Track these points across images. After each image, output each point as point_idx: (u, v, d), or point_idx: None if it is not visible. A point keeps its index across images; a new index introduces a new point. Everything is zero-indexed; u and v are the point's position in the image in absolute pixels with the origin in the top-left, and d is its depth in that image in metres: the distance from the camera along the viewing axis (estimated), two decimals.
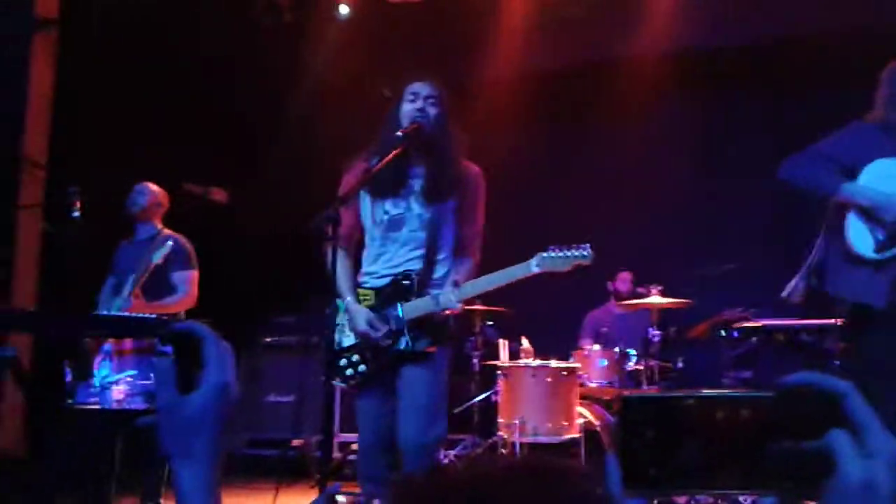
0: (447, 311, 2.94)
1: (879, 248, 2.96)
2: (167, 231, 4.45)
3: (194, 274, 4.34)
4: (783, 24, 6.08)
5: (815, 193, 3.14)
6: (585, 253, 2.83)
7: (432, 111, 3.04)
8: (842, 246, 3.07)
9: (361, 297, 3.05)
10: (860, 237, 3.01)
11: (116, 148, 5.64)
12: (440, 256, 3.04)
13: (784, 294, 3.42)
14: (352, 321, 3.02)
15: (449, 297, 2.91)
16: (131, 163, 5.64)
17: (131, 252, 4.34)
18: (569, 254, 2.83)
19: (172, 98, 5.97)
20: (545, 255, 2.84)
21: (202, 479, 0.90)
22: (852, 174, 3.07)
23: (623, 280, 5.93)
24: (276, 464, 5.03)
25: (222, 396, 0.92)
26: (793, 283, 3.38)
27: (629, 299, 5.50)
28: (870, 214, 2.99)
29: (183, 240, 4.42)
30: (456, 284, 2.94)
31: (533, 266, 2.85)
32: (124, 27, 5.56)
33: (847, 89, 5.48)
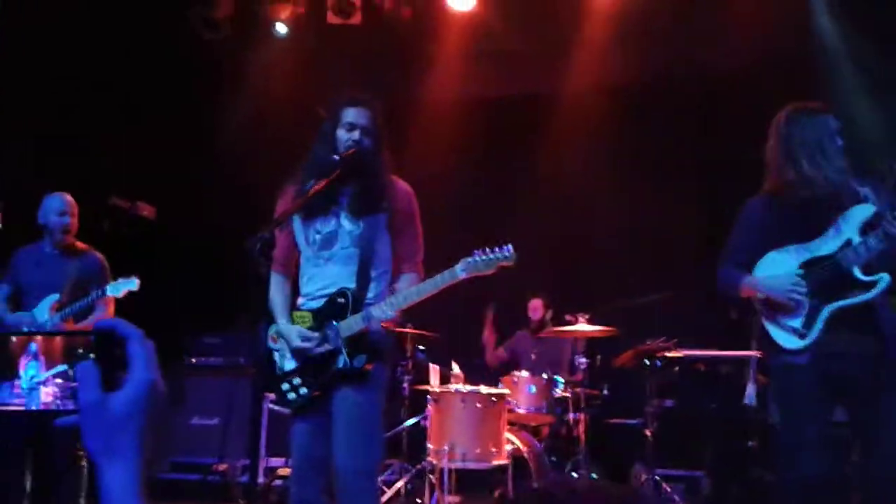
0: (381, 323, 2.95)
1: (800, 335, 3.00)
2: (82, 245, 4.36)
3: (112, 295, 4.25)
4: (705, 59, 6.31)
5: (731, 295, 3.21)
6: (507, 254, 2.88)
7: (366, 142, 3.08)
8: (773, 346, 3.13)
9: (299, 320, 3.04)
10: (780, 336, 3.06)
11: (40, 158, 5.47)
12: (375, 272, 3.04)
13: (746, 402, 3.50)
14: (287, 342, 3.00)
15: (382, 308, 2.92)
16: (56, 173, 5.49)
17: (43, 264, 4.23)
18: (492, 256, 2.87)
19: (102, 109, 5.82)
20: (469, 259, 2.89)
21: (129, 479, 0.89)
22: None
23: (534, 308, 5.99)
24: (199, 488, 4.90)
25: (148, 394, 0.91)
26: (749, 390, 3.45)
27: (541, 327, 5.60)
28: (773, 306, 3.05)
29: (101, 257, 4.36)
30: (392, 293, 2.96)
31: (458, 271, 2.88)
32: (53, 32, 5.41)
33: (769, 117, 5.78)
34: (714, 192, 6.19)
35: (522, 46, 6.70)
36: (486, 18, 6.62)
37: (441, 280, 2.90)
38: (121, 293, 4.15)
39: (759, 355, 4.52)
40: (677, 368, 5.28)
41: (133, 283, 4.18)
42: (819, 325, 2.97)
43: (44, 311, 4.13)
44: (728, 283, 3.18)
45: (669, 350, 5.18)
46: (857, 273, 2.95)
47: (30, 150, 5.37)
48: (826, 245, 3.02)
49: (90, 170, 5.71)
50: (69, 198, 4.35)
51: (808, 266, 3.02)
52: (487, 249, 2.89)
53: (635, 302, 5.44)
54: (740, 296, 3.19)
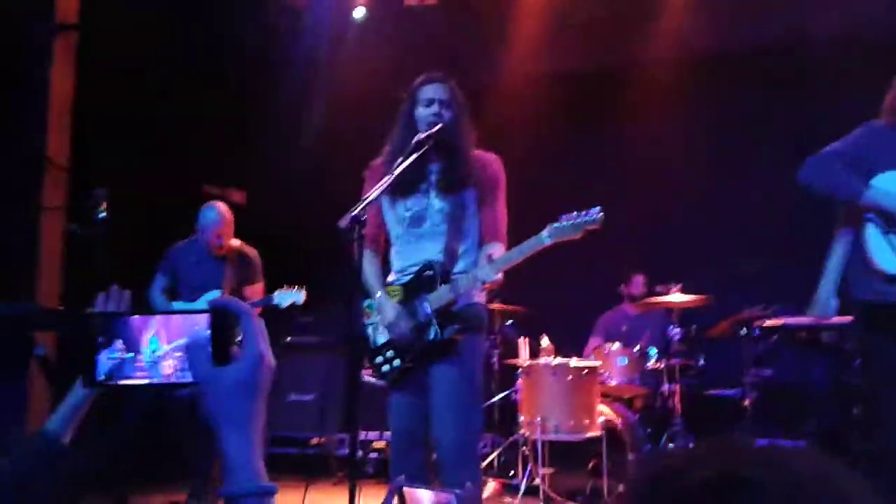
0: (466, 296, 2.96)
1: None
2: (236, 245, 4.61)
3: (262, 286, 4.60)
4: (796, 25, 6.05)
5: (837, 197, 3.09)
6: (594, 216, 2.82)
7: (447, 115, 3.09)
8: (863, 260, 3.01)
9: (393, 294, 3.09)
10: (883, 254, 2.95)
11: (136, 150, 5.70)
12: (463, 247, 3.07)
13: (816, 313, 3.34)
14: (382, 316, 3.05)
15: (469, 278, 2.92)
16: (151, 165, 5.72)
17: (202, 263, 4.53)
18: (578, 219, 2.83)
19: (189, 100, 6.02)
20: (555, 224, 2.85)
21: (247, 445, 0.95)
22: (868, 178, 3.01)
23: (636, 284, 5.90)
24: (298, 461, 5.05)
25: (261, 366, 0.97)
26: (822, 299, 3.28)
27: (641, 298, 5.50)
28: (891, 222, 2.94)
29: (255, 254, 4.65)
30: (490, 259, 2.95)
31: (545, 236, 2.85)
32: (143, 30, 5.62)
33: (863, 90, 5.51)
34: (809, 156, 5.95)
35: (603, 16, 6.57)
36: None
37: (528, 247, 2.88)
38: (285, 304, 4.43)
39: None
40: (776, 337, 5.12)
41: (300, 297, 4.44)
42: None
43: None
44: (835, 182, 3.02)
45: (767, 318, 5.03)
46: None
47: (124, 141, 5.60)
48: None
49: (181, 157, 5.93)
50: (222, 210, 4.60)
51: None
52: (574, 213, 2.85)
53: (731, 271, 5.30)
54: (847, 201, 3.03)
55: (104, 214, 4.02)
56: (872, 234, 2.99)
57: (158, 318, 1.14)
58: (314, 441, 5.18)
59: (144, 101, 5.78)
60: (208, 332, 1.00)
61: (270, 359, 0.99)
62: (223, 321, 1.00)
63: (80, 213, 4.28)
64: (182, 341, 1.09)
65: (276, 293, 4.44)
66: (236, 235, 4.69)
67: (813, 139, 5.70)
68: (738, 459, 0.68)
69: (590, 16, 6.60)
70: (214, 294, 4.44)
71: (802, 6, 5.89)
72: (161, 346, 1.13)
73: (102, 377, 1.16)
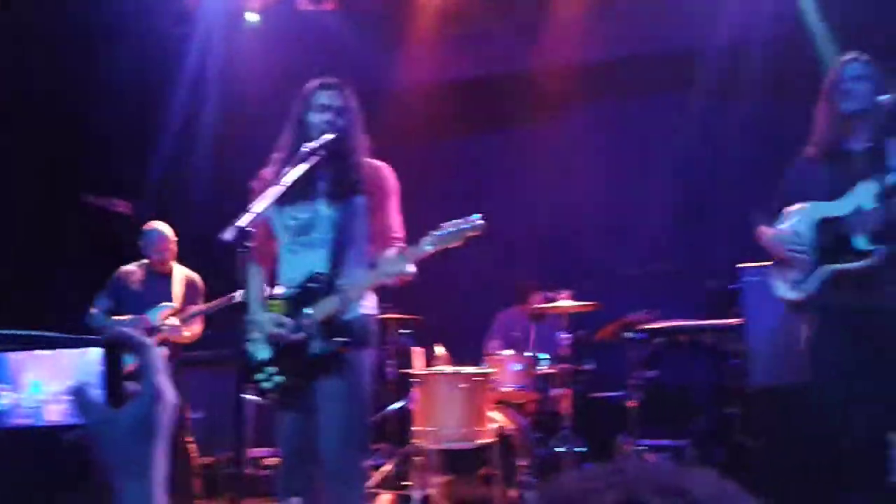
0: (351, 305, 2.94)
1: (797, 287, 3.17)
2: (178, 266, 4.85)
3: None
4: (686, 34, 6.30)
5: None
6: (474, 223, 2.84)
7: (340, 122, 3.06)
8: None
9: (274, 307, 3.03)
10: (779, 286, 3.26)
11: (15, 161, 5.43)
12: (351, 256, 3.02)
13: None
14: (261, 331, 3.00)
15: (354, 288, 2.91)
16: (31, 175, 5.45)
17: (147, 282, 4.73)
18: (459, 227, 2.84)
19: (75, 108, 5.77)
20: (437, 233, 2.85)
21: (147, 494, 0.87)
22: None
23: (524, 283, 6.01)
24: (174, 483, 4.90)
25: (159, 404, 0.89)
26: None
27: (531, 303, 5.62)
28: (779, 259, 3.22)
29: (197, 277, 4.90)
30: (371, 266, 2.95)
31: (425, 244, 2.85)
32: (25, 34, 5.36)
33: (752, 96, 5.81)
34: (690, 164, 6.22)
35: (498, 22, 6.68)
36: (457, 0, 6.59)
37: (409, 255, 2.87)
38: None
39: (739, 321, 4.58)
40: (659, 339, 5.33)
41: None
42: (815, 283, 3.10)
43: (155, 314, 4.60)
44: (754, 226, 3.34)
45: (651, 321, 5.22)
46: (857, 241, 3.02)
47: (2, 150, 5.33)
48: (841, 206, 3.10)
49: (64, 167, 5.68)
50: (163, 228, 4.84)
51: (824, 224, 3.12)
52: (454, 221, 2.85)
53: (617, 275, 5.49)
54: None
55: None
56: (774, 268, 3.31)
57: (43, 354, 1.04)
58: (205, 460, 5.03)
59: (24, 109, 5.50)
60: (101, 368, 0.91)
61: (171, 395, 0.91)
62: (117, 356, 0.92)
63: None
64: (68, 380, 0.99)
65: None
66: (123, 246, 4.61)
67: (702, 145, 6.03)
68: (638, 487, 0.69)
69: (485, 22, 6.70)
70: (165, 307, 4.63)
71: (690, 16, 6.14)
72: (46, 386, 1.02)
73: None
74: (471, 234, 2.85)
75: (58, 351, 0.99)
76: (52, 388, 0.99)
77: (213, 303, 4.69)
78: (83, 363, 0.95)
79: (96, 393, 0.90)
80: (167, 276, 4.81)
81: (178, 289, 4.79)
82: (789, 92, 5.58)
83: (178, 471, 4.49)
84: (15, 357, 1.02)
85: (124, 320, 4.60)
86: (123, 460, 0.87)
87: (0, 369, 1.03)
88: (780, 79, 5.69)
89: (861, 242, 3.04)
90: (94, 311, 4.71)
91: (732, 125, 6.03)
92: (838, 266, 3.06)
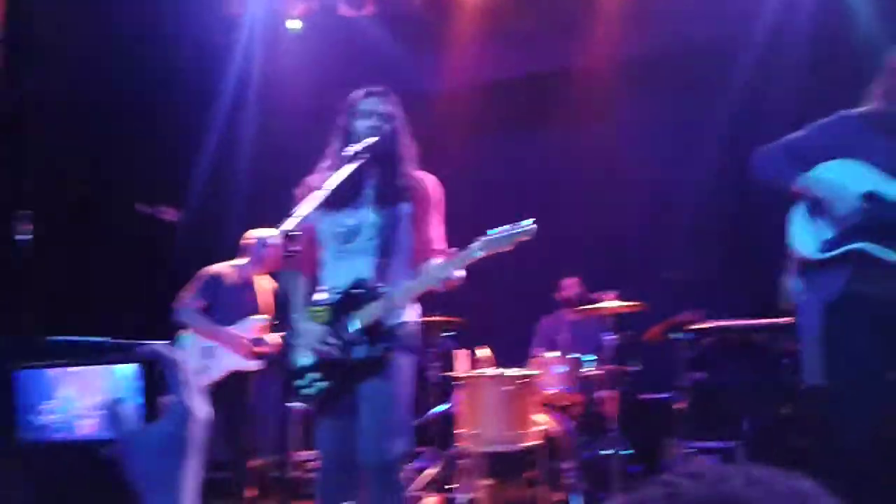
0: (396, 312, 2.95)
1: (825, 247, 2.95)
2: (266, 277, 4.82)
3: None
4: (727, 27, 6.19)
5: (775, 186, 3.12)
6: (525, 228, 2.82)
7: (386, 127, 3.06)
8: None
9: (318, 314, 3.04)
10: (803, 239, 3.01)
11: (65, 170, 5.56)
12: (395, 262, 3.02)
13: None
14: (305, 339, 3.02)
15: (400, 293, 2.90)
16: (81, 184, 5.58)
17: (239, 289, 4.69)
18: (509, 232, 2.82)
19: (120, 117, 5.90)
20: (486, 237, 2.84)
21: None
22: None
23: (568, 286, 5.97)
24: (230, 486, 4.96)
25: (189, 421, 0.90)
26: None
27: (578, 304, 5.56)
28: (821, 208, 2.97)
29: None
30: (419, 273, 2.94)
31: (476, 249, 2.84)
32: (71, 44, 5.49)
33: (788, 90, 5.69)
34: (738, 163, 6.10)
35: (537, 24, 6.65)
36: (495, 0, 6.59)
37: (459, 260, 2.87)
38: None
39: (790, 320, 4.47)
40: (707, 340, 5.24)
41: None
42: (841, 250, 2.91)
43: (246, 327, 4.61)
44: (776, 172, 3.07)
45: (698, 322, 5.14)
46: None
47: (53, 160, 5.47)
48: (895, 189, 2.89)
49: (113, 176, 5.81)
50: (273, 238, 4.71)
51: (870, 197, 2.91)
52: (506, 226, 2.84)
53: (664, 276, 5.41)
54: (784, 190, 3.08)
55: (24, 236, 3.92)
56: (797, 219, 3.04)
57: (78, 370, 1.06)
58: (251, 463, 5.08)
59: (72, 120, 5.64)
60: (138, 383, 0.93)
61: (202, 412, 0.92)
62: (152, 372, 0.93)
63: (1, 237, 4.17)
64: (103, 395, 1.00)
65: None
66: (172, 253, 4.66)
67: (749, 139, 5.89)
68: (727, 485, 0.69)
69: (525, 24, 6.68)
70: (259, 320, 4.64)
71: (729, 15, 6.04)
72: (81, 401, 1.04)
73: (24, 433, 1.06)
74: (522, 238, 2.84)
75: (93, 367, 1.01)
76: (87, 403, 1.01)
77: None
78: (117, 379, 0.97)
79: (130, 408, 0.91)
80: (254, 285, 4.77)
81: (267, 298, 4.77)
82: (833, 82, 5.45)
83: (235, 477, 4.54)
84: (52, 372, 1.04)
85: (225, 330, 4.58)
86: (154, 475, 0.88)
87: (38, 385, 1.05)
88: (823, 69, 5.57)
89: None
90: (188, 307, 4.62)
91: (778, 118, 5.90)
92: (875, 251, 2.86)
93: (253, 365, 4.60)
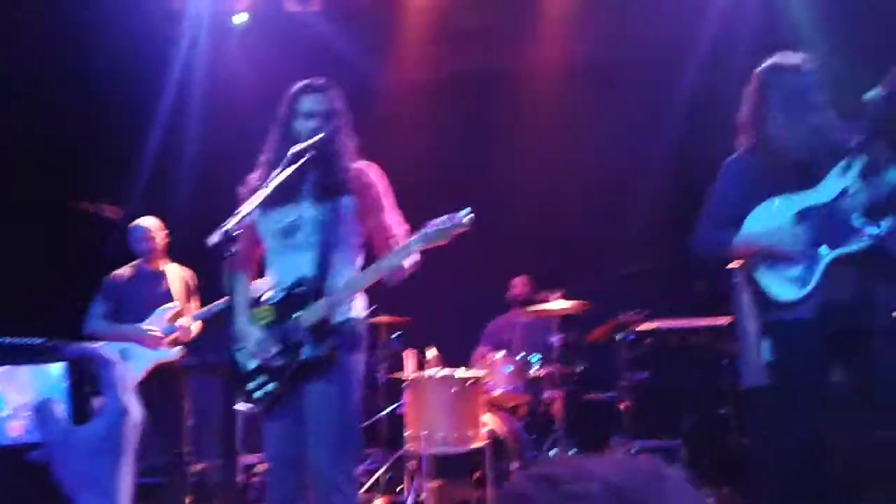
0: (340, 309, 2.92)
1: (801, 283, 2.94)
2: (171, 264, 4.77)
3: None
4: (671, 36, 6.29)
5: (719, 257, 3.16)
6: (462, 220, 2.78)
7: (327, 127, 3.03)
8: (760, 295, 3.03)
9: (263, 315, 3.00)
10: (778, 288, 2.99)
11: (2, 168, 5.38)
12: (339, 257, 2.99)
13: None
14: (247, 343, 2.97)
15: (342, 291, 2.88)
16: (19, 183, 5.40)
17: (144, 282, 4.63)
18: (444, 225, 2.79)
19: (61, 112, 5.72)
20: (423, 231, 2.81)
21: None
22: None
23: (517, 284, 6.01)
24: (165, 491, 4.86)
25: (123, 420, 0.88)
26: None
27: (528, 302, 5.59)
28: (773, 257, 2.98)
29: (191, 272, 4.80)
30: (358, 271, 2.93)
31: (412, 244, 2.81)
32: (10, 42, 5.30)
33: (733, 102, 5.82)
34: (682, 163, 6.22)
35: (485, 21, 6.67)
36: None
37: (396, 256, 2.84)
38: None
39: (730, 321, 4.57)
40: (650, 340, 5.32)
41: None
42: (818, 274, 2.91)
43: (160, 317, 4.53)
44: (713, 245, 3.09)
45: (641, 323, 5.21)
46: (856, 220, 2.89)
47: None
48: (820, 194, 2.95)
49: (54, 172, 5.64)
50: (146, 225, 4.72)
51: (804, 216, 2.95)
52: (441, 218, 2.81)
53: (609, 275, 5.48)
54: (730, 257, 3.12)
55: None
56: (761, 277, 3.03)
57: (2, 370, 1.01)
58: (195, 467, 4.99)
59: (11, 116, 5.44)
60: (65, 384, 0.90)
61: (135, 412, 0.89)
62: (82, 371, 0.90)
63: None
64: (31, 396, 0.96)
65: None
66: (112, 252, 4.55)
67: (691, 143, 6.01)
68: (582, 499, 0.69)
69: (472, 21, 6.69)
70: (168, 308, 4.56)
71: (676, 19, 6.13)
72: (8, 402, 0.99)
73: None
74: (459, 230, 2.80)
75: (20, 367, 0.96)
76: (14, 405, 0.95)
77: (216, 304, 4.57)
78: (47, 378, 0.93)
79: (60, 409, 0.88)
80: (160, 274, 4.71)
81: (176, 286, 4.70)
82: None
83: (173, 482, 4.46)
84: None
85: (133, 328, 4.52)
86: (86, 478, 0.86)
87: None
88: None
89: (858, 221, 2.91)
90: (92, 317, 4.60)
91: (722, 123, 6.03)
92: (845, 249, 2.89)
93: (172, 354, 4.55)
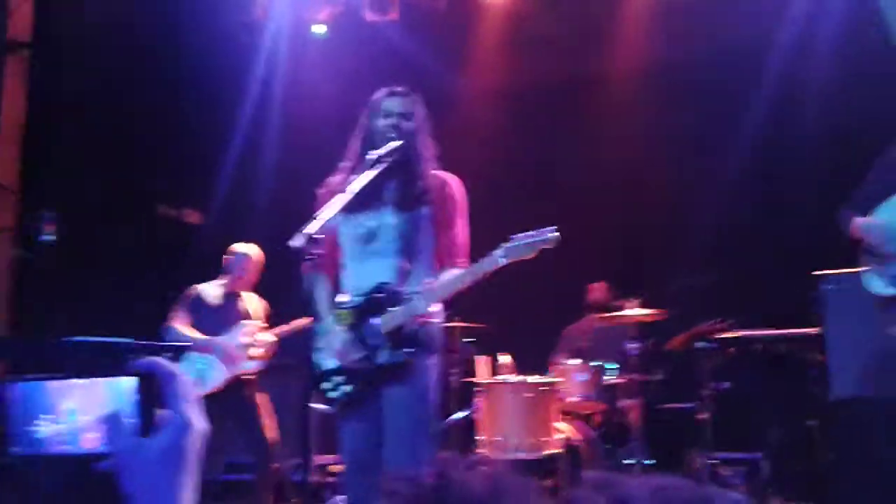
0: (420, 318, 2.93)
1: (892, 282, 2.98)
2: (249, 293, 4.89)
3: None
4: (752, 33, 6.12)
5: (844, 231, 3.25)
6: (549, 235, 2.77)
7: (406, 126, 3.05)
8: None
9: (341, 317, 3.03)
10: (873, 279, 3.08)
11: (90, 171, 5.60)
12: (416, 265, 3.01)
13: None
14: (330, 343, 3.01)
15: (423, 299, 2.89)
16: (105, 186, 5.62)
17: (224, 307, 4.75)
18: (532, 239, 2.78)
19: (144, 119, 5.94)
20: (509, 244, 2.80)
21: None
22: None
23: (596, 289, 5.93)
24: (250, 487, 4.97)
25: (186, 433, 0.90)
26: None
27: (606, 309, 5.51)
28: (879, 253, 3.01)
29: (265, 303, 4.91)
30: (431, 286, 2.93)
31: (498, 257, 2.80)
32: (96, 49, 5.54)
33: (812, 97, 5.63)
34: (765, 172, 6.05)
35: (561, 30, 6.63)
36: (521, 6, 6.57)
37: (480, 267, 2.84)
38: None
39: (817, 331, 4.41)
40: (732, 350, 5.17)
41: None
42: None
43: (238, 332, 4.66)
44: (841, 220, 3.21)
45: (723, 331, 5.07)
46: None
47: (76, 163, 5.51)
48: None
49: (137, 178, 5.85)
50: (251, 252, 4.85)
51: None
52: (529, 232, 2.80)
53: (689, 283, 5.35)
54: (849, 234, 3.20)
55: (49, 237, 3.95)
56: (866, 265, 3.13)
57: (79, 382, 1.05)
58: (272, 466, 5.08)
59: (97, 122, 5.68)
60: (135, 397, 0.92)
61: (199, 424, 0.91)
62: (150, 385, 0.92)
63: (25, 235, 4.20)
64: (103, 408, 0.99)
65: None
66: (196, 256, 4.67)
67: (773, 146, 5.83)
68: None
69: (549, 30, 6.66)
70: (249, 324, 4.69)
71: (752, 19, 5.97)
72: (82, 414, 1.04)
73: (20, 446, 1.05)
74: (546, 246, 2.79)
75: (98, 380, 1.00)
76: (87, 416, 1.00)
77: (295, 324, 4.67)
78: (119, 392, 0.96)
79: (129, 421, 0.91)
80: (239, 297, 4.83)
81: (256, 306, 4.83)
82: (858, 87, 5.39)
83: (261, 479, 4.61)
84: (53, 385, 1.03)
85: (213, 341, 4.62)
86: (151, 490, 0.87)
87: (39, 398, 1.04)
88: (852, 76, 5.49)
89: None
90: (174, 326, 4.70)
91: (804, 124, 5.84)
92: None
93: (250, 367, 4.66)
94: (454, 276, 2.92)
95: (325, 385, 3.02)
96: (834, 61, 5.68)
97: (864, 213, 3.13)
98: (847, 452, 4.13)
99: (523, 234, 2.82)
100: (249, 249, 4.88)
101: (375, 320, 2.95)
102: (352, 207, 2.96)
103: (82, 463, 0.97)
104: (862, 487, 3.90)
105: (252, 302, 4.86)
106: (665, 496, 0.69)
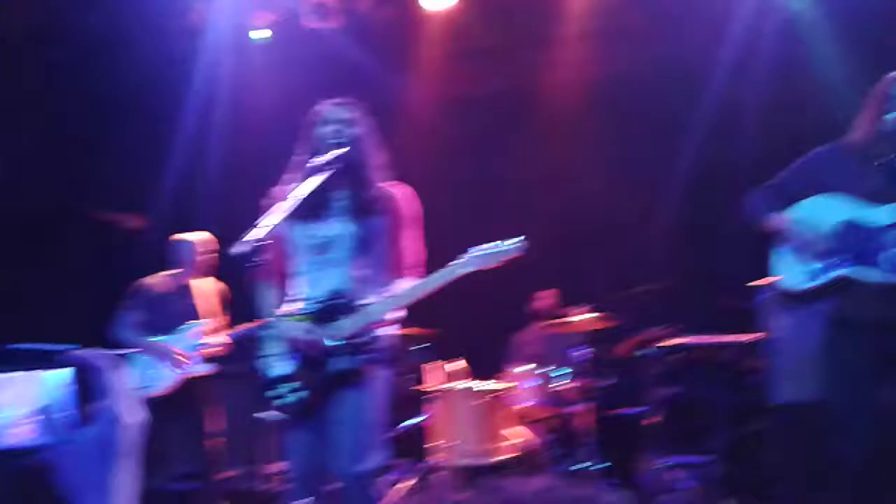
0: (376, 325, 2.90)
1: (811, 278, 3.01)
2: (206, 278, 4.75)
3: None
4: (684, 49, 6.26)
5: (757, 224, 3.21)
6: (515, 245, 2.79)
7: (349, 132, 3.02)
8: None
9: (298, 322, 2.98)
10: (790, 272, 3.07)
11: (28, 177, 5.44)
12: (372, 273, 2.99)
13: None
14: (288, 337, 2.94)
15: (379, 307, 2.87)
16: (43, 192, 5.44)
17: (174, 298, 4.63)
18: (498, 249, 2.79)
19: (84, 126, 5.79)
20: (472, 254, 2.80)
21: None
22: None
23: (542, 298, 5.97)
24: (197, 497, 4.84)
25: (114, 428, 0.86)
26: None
27: (551, 317, 5.55)
28: (803, 246, 3.04)
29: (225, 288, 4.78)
30: (390, 294, 2.91)
31: (460, 266, 2.80)
32: (34, 53, 5.38)
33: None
34: (703, 179, 6.18)
35: (503, 42, 6.69)
36: (464, 16, 6.60)
37: (441, 276, 2.84)
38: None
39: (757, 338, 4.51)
40: (677, 356, 5.26)
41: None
42: (826, 278, 2.96)
43: (191, 331, 4.55)
44: (756, 209, 3.18)
45: (669, 338, 5.16)
46: (884, 257, 2.88)
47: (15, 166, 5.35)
48: (879, 215, 2.93)
49: (78, 183, 5.69)
50: (196, 239, 4.73)
51: (848, 227, 2.96)
52: (495, 243, 2.81)
53: (634, 292, 5.42)
54: (762, 226, 3.18)
55: None
56: (784, 256, 3.11)
57: (13, 376, 1.00)
58: (221, 475, 4.97)
59: (34, 127, 5.51)
60: (68, 389, 0.89)
61: (133, 417, 0.88)
62: (85, 378, 0.89)
63: None
64: (35, 402, 0.94)
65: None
66: (137, 261, 4.57)
67: (713, 159, 5.97)
68: None
69: (490, 41, 6.71)
70: (201, 323, 4.58)
71: (694, 39, 6.11)
72: (13, 408, 0.98)
73: None
74: (509, 256, 2.80)
75: (25, 373, 0.95)
76: (19, 410, 0.95)
77: (249, 326, 4.48)
78: (43, 384, 0.92)
79: (61, 414, 0.87)
80: (190, 289, 4.71)
81: (209, 295, 4.72)
82: (797, 103, 5.57)
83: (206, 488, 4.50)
84: None
85: (163, 339, 4.54)
86: (85, 481, 0.84)
87: None
88: (789, 89, 5.67)
89: (885, 263, 2.88)
90: (122, 325, 4.59)
91: (743, 140, 6.00)
92: (863, 272, 2.91)
93: (200, 369, 4.55)
94: (413, 284, 2.92)
95: (273, 391, 2.95)
96: (771, 82, 5.85)
97: (779, 209, 3.13)
98: (790, 455, 4.23)
99: (486, 245, 2.82)
100: (193, 236, 4.75)
101: (332, 327, 2.90)
102: (302, 215, 2.93)
103: (14, 456, 0.92)
104: (806, 488, 3.98)
105: (206, 291, 4.72)
106: (548, 497, 0.67)
